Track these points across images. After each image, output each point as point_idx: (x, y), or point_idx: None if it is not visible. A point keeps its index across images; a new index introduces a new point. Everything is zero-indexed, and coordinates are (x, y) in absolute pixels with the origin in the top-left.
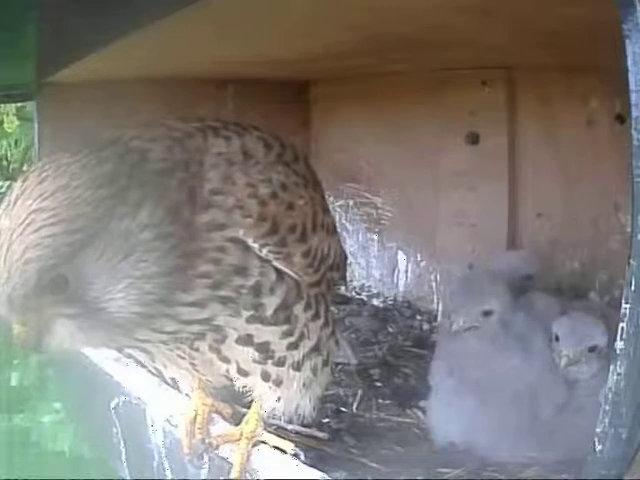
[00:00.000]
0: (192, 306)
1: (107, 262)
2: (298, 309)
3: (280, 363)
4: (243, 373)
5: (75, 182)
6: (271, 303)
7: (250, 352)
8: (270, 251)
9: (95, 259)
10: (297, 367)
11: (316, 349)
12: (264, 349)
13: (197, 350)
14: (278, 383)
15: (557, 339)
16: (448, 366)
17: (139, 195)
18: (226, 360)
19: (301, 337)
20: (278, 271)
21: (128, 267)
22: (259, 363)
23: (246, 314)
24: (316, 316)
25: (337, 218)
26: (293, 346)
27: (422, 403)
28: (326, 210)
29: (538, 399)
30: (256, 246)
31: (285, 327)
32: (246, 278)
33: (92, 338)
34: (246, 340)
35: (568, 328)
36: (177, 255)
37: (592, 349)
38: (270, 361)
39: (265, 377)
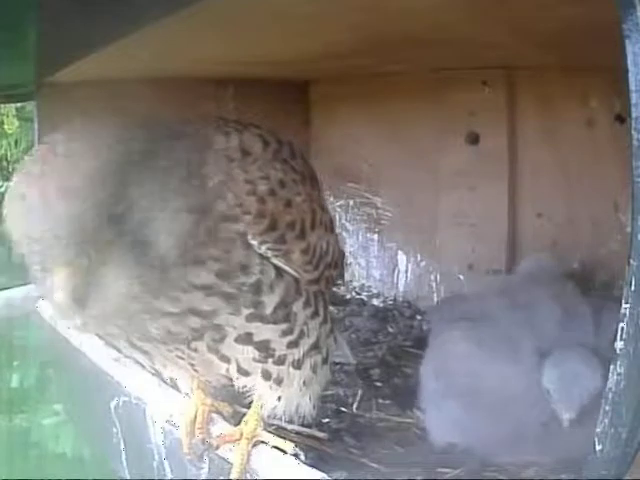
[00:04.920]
0: (199, 290)
1: (147, 194)
2: (297, 307)
3: (280, 362)
4: (243, 372)
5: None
6: (271, 301)
7: (250, 351)
8: (269, 248)
9: (135, 189)
10: (297, 365)
11: (316, 347)
12: (264, 347)
13: (195, 350)
14: (279, 382)
15: (549, 395)
16: (435, 369)
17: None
18: (226, 360)
19: (301, 335)
20: (277, 268)
21: (164, 199)
22: (259, 362)
23: (246, 312)
24: (315, 314)
25: (337, 218)
26: (293, 344)
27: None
28: (324, 207)
29: (526, 405)
30: (255, 243)
31: (285, 325)
32: (247, 275)
33: (130, 286)
34: (245, 339)
35: (562, 387)
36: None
37: (593, 396)
38: (270, 360)
39: (266, 376)
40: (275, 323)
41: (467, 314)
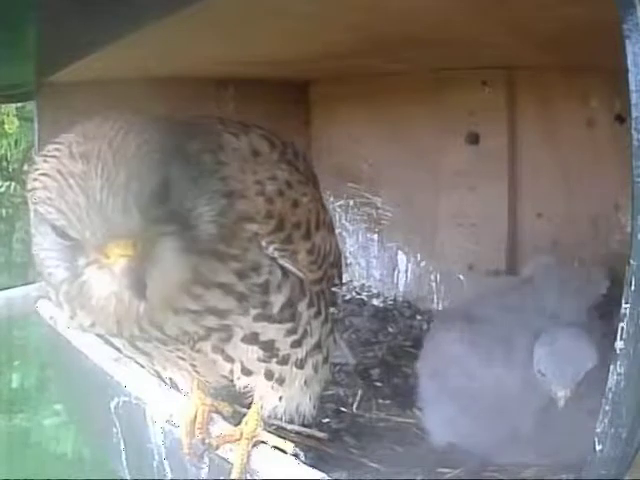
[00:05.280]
0: (219, 288)
1: (190, 179)
2: (302, 306)
3: (284, 361)
4: (247, 372)
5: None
6: (277, 301)
7: (255, 350)
8: (276, 248)
9: (180, 176)
10: (300, 365)
11: (317, 346)
12: (269, 347)
13: (199, 351)
14: (280, 382)
15: (542, 374)
16: (430, 371)
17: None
18: (230, 360)
19: (304, 334)
20: (283, 268)
21: (206, 185)
22: (263, 362)
23: (254, 312)
24: (318, 313)
25: (337, 218)
26: (297, 343)
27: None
28: (325, 207)
29: (520, 405)
30: (263, 243)
31: (289, 325)
32: (258, 276)
33: (184, 267)
34: (251, 338)
35: (554, 365)
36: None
37: (587, 374)
38: (274, 359)
39: (268, 376)
40: (281, 322)
41: (464, 316)
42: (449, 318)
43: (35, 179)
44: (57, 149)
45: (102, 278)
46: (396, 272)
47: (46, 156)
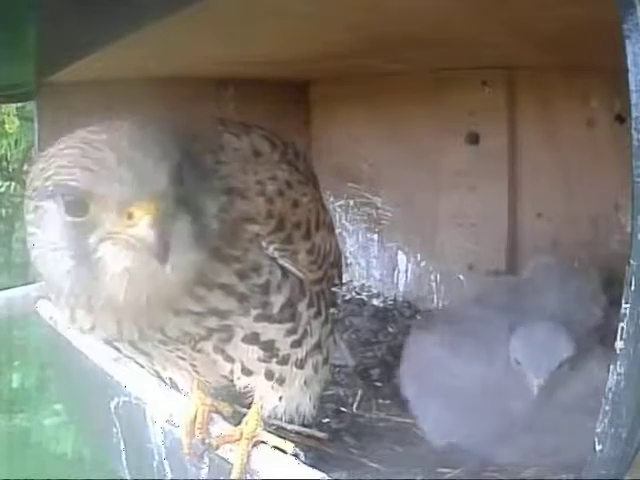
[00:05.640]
0: (220, 289)
1: (191, 178)
2: (302, 307)
3: (284, 361)
4: (247, 372)
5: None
6: (277, 301)
7: (255, 350)
8: (276, 248)
9: (182, 173)
10: (300, 365)
11: (317, 346)
12: (269, 347)
13: (200, 351)
14: (281, 382)
15: (518, 363)
16: (413, 370)
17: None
18: (231, 360)
19: (304, 334)
20: (283, 269)
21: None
22: (264, 362)
23: (254, 312)
24: (318, 314)
25: (337, 218)
26: (297, 343)
27: None
28: (325, 208)
29: (502, 403)
30: (264, 244)
31: (289, 325)
32: (259, 276)
33: (192, 252)
34: (252, 338)
35: (530, 354)
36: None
37: (563, 364)
38: (274, 359)
39: (268, 376)
40: (281, 323)
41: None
42: (439, 318)
43: (53, 156)
44: (70, 137)
45: (116, 251)
46: (396, 272)
47: (59, 143)
